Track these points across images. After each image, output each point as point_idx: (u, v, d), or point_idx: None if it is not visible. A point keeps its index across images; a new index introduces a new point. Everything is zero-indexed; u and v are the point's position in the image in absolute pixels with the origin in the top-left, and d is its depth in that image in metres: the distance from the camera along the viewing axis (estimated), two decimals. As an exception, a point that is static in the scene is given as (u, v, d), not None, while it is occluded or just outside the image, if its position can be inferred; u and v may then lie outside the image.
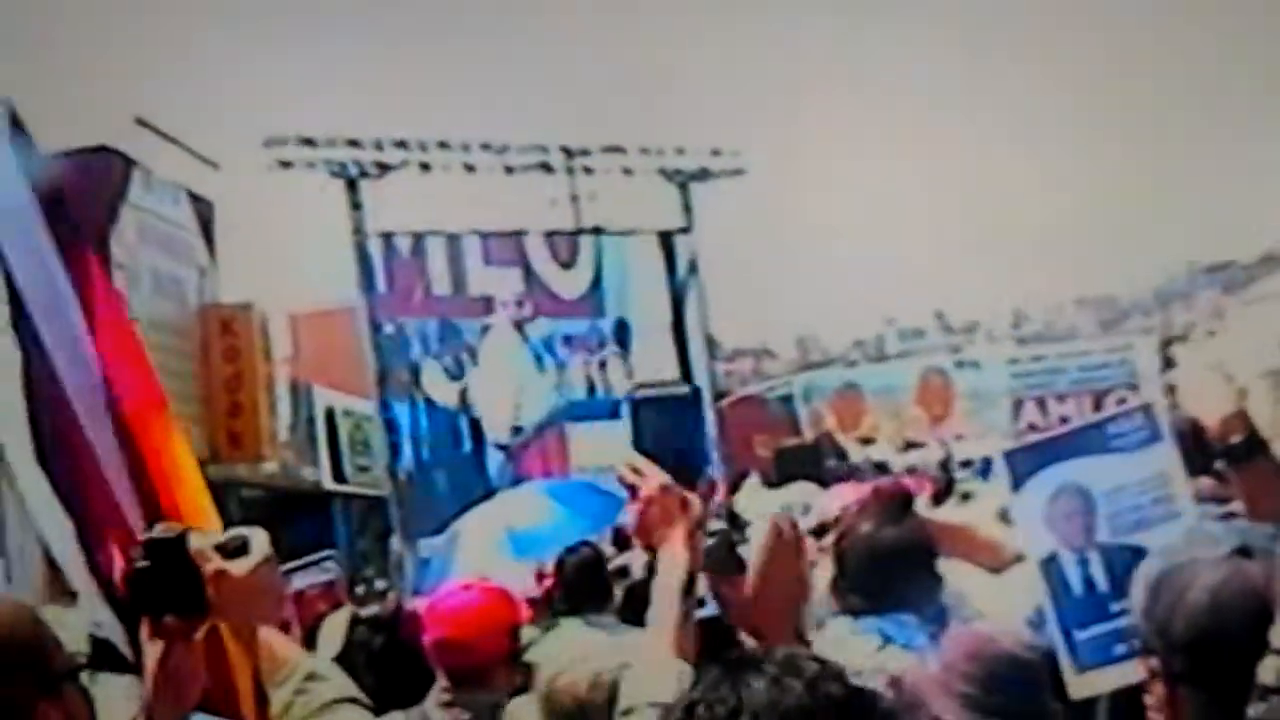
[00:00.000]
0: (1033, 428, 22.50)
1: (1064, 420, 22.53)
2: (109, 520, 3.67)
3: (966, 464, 18.23)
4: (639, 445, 15.98)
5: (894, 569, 3.76)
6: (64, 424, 3.61)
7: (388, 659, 4.95)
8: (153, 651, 2.35)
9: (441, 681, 4.26)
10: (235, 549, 2.48)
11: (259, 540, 2.52)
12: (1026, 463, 3.59)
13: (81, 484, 3.64)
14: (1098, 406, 22.20)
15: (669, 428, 17.82)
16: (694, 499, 2.49)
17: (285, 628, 8.19)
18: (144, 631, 2.38)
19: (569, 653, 3.29)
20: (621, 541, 7.75)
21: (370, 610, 5.72)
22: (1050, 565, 3.50)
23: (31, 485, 3.61)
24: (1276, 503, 3.24)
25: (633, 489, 2.51)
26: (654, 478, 2.50)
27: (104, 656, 2.62)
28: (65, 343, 3.61)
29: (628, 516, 2.54)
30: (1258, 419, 4.00)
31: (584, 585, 5.46)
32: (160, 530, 2.48)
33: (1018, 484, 3.58)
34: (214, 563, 2.42)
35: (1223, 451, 3.55)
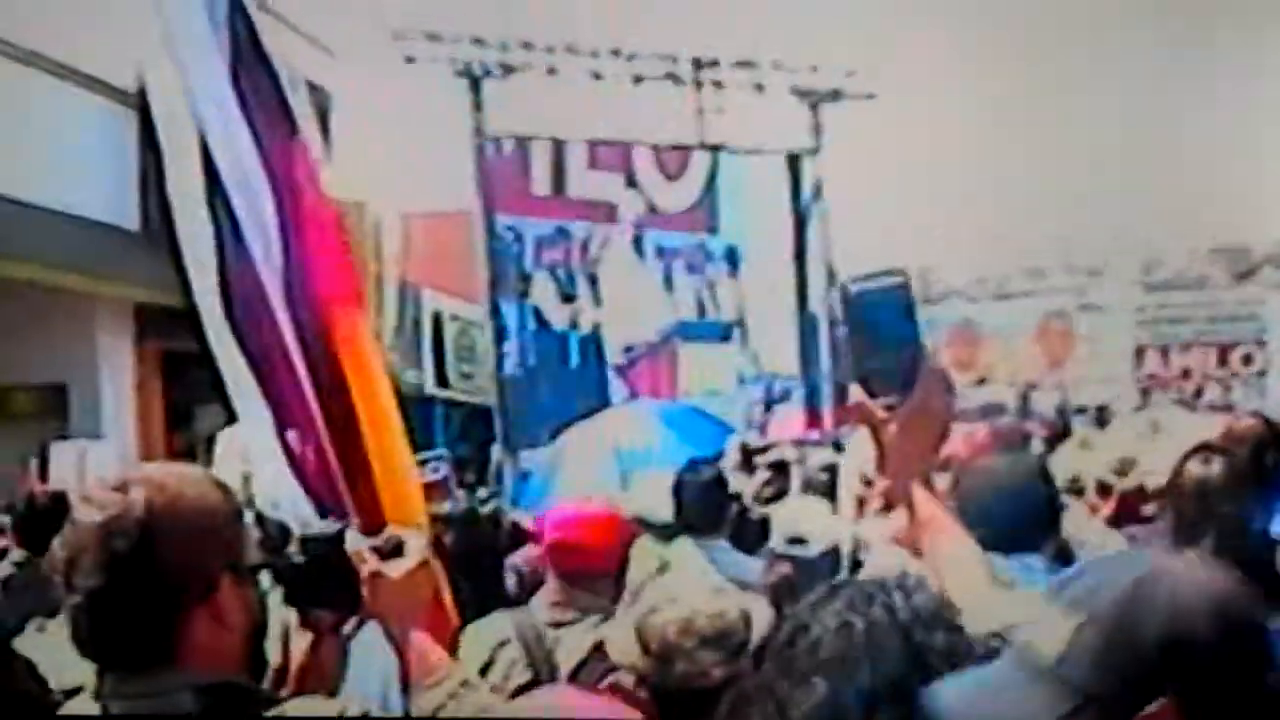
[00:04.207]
0: (1153, 378, 21.90)
1: (1185, 372, 21.90)
2: (293, 407, 3.64)
3: (1081, 410, 17.73)
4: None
5: (1014, 506, 3.68)
6: (255, 304, 3.62)
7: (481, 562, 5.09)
8: (301, 641, 2.50)
9: (552, 583, 4.34)
10: (391, 550, 2.56)
11: (415, 544, 2.58)
12: None
13: (270, 370, 3.78)
14: (1223, 360, 21.57)
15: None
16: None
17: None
18: (294, 621, 2.52)
19: (672, 588, 3.27)
20: (746, 465, 7.60)
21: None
22: None
23: (230, 367, 3.76)
24: None
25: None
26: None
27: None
28: (257, 224, 3.75)
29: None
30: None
31: (701, 506, 5.36)
32: (318, 528, 2.63)
33: None
34: (370, 564, 2.51)
35: None
